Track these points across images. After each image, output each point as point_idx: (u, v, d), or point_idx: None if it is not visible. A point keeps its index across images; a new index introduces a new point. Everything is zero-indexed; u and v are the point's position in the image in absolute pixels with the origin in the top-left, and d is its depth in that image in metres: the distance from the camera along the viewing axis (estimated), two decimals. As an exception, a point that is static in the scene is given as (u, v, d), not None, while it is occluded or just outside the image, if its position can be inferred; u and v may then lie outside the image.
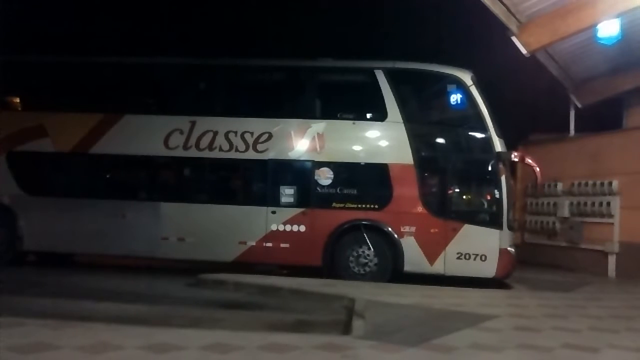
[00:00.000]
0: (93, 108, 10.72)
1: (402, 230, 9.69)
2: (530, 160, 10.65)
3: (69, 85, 11.09)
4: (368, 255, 9.77)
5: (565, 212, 13.47)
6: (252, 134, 10.18)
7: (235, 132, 10.20)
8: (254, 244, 10.00)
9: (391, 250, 9.72)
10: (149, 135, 10.45)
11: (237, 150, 10.19)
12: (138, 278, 9.84)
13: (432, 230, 9.66)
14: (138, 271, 10.58)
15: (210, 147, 10.24)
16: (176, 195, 10.48)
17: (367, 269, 9.76)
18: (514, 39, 10.52)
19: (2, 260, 10.30)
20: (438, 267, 9.57)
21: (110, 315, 5.86)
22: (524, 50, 10.64)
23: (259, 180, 10.58)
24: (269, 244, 9.97)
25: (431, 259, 9.58)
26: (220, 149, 10.22)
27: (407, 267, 9.63)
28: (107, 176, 11.08)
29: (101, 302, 6.88)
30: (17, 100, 11.24)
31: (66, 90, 11.09)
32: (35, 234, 10.35)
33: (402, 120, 9.90)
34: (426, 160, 9.99)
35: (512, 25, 10.36)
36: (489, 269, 9.47)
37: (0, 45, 9.49)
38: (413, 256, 9.61)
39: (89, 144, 10.48)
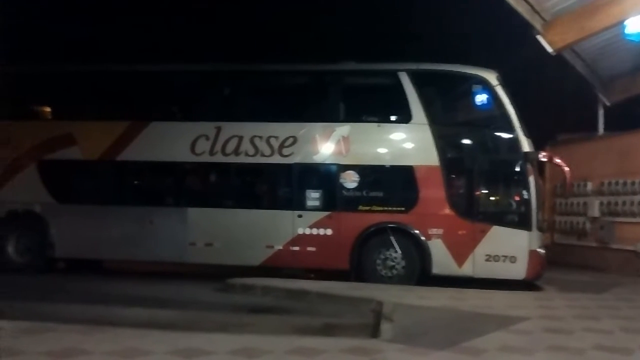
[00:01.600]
0: (120, 116, 10.87)
1: (429, 232, 9.60)
2: (558, 160, 10.47)
3: (96, 94, 11.27)
4: (395, 258, 9.70)
5: (596, 212, 13.22)
6: (277, 138, 10.20)
7: (261, 137, 10.24)
8: (280, 247, 10.02)
9: (418, 253, 9.64)
10: (175, 142, 10.54)
11: (262, 154, 10.22)
12: (166, 283, 9.92)
13: (460, 232, 9.56)
14: (166, 277, 10.68)
15: (236, 152, 10.30)
16: (203, 201, 10.55)
17: (395, 271, 9.69)
18: (539, 37, 10.37)
19: (34, 267, 10.49)
20: (466, 270, 9.46)
21: (139, 321, 5.92)
22: (549, 49, 10.49)
23: (284, 185, 10.59)
24: (296, 248, 9.97)
25: (459, 261, 9.47)
26: (246, 154, 10.26)
27: (435, 270, 9.54)
28: (135, 183, 11.22)
29: (130, 308, 6.96)
30: (47, 109, 11.41)
31: (94, 99, 11.27)
32: (66, 241, 10.52)
33: (427, 122, 9.82)
34: (452, 161, 9.90)
35: (537, 24, 10.22)
36: (518, 271, 9.33)
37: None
38: (441, 258, 9.51)
39: (116, 152, 10.61)
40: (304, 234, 9.97)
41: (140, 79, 11.24)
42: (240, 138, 10.28)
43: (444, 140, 9.84)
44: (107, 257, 11.21)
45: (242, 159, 10.29)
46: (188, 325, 5.97)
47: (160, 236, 10.29)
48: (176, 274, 10.89)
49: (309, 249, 9.92)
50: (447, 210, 9.66)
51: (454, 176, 9.98)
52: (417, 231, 9.66)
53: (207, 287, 9.11)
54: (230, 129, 10.37)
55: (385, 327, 5.84)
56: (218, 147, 10.34)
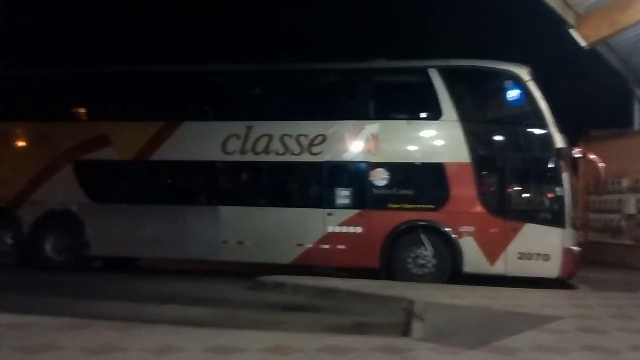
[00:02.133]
0: (153, 116, 11.04)
1: (460, 230, 9.54)
2: (593, 156, 10.28)
3: (130, 95, 11.46)
4: (426, 256, 9.67)
5: (632, 209, 12.96)
6: (306, 136, 10.25)
7: (290, 136, 10.30)
8: (311, 246, 10.07)
9: (450, 251, 9.58)
10: (207, 141, 10.67)
11: (292, 153, 10.28)
12: (199, 281, 10.07)
13: (491, 230, 9.47)
14: (199, 275, 10.83)
15: (266, 151, 10.38)
16: (234, 199, 10.67)
17: (426, 270, 9.66)
18: (572, 32, 10.20)
19: (71, 266, 10.77)
20: (499, 268, 9.37)
21: (173, 318, 6.02)
22: (582, 43, 10.31)
23: (314, 183, 10.64)
24: (326, 246, 10.01)
25: (491, 259, 9.39)
26: (276, 153, 10.34)
27: (467, 268, 9.48)
28: (168, 182, 11.39)
29: (164, 305, 7.11)
30: (83, 111, 11.66)
31: (127, 100, 11.45)
32: (101, 239, 10.74)
33: (457, 119, 9.75)
34: (484, 158, 9.79)
35: (570, 18, 10.05)
36: (552, 269, 9.21)
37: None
38: (472, 257, 9.44)
39: (150, 152, 10.79)
40: (334, 232, 10.00)
41: (173, 79, 11.41)
42: (271, 137, 10.36)
43: (475, 137, 9.75)
44: (141, 255, 11.43)
45: (272, 158, 10.37)
46: (221, 322, 6.07)
47: (193, 234, 10.43)
48: (209, 272, 11.02)
49: (339, 247, 9.95)
50: (479, 208, 9.58)
51: (485, 173, 9.88)
52: (448, 229, 9.60)
53: (239, 285, 9.21)
54: (261, 128, 10.46)
55: (416, 325, 5.83)
56: (249, 146, 10.43)
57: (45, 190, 11.00)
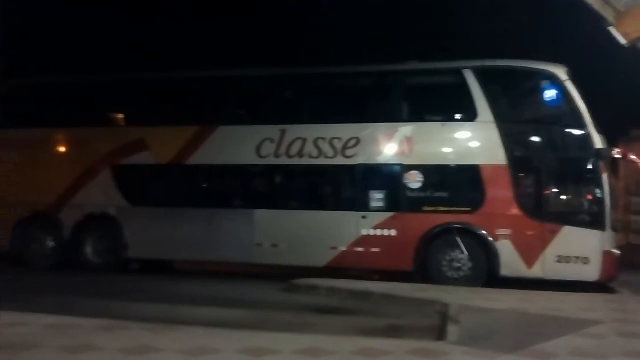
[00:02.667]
0: (189, 121, 11.20)
1: (496, 233, 9.39)
2: (633, 157, 10.02)
3: (166, 100, 11.65)
4: (461, 259, 9.55)
5: (675, 211, 12.58)
6: (340, 139, 10.24)
7: (324, 138, 10.31)
8: (344, 248, 10.06)
9: (485, 254, 9.44)
10: (241, 145, 10.76)
11: (325, 156, 10.29)
12: (233, 283, 10.15)
13: (529, 233, 9.31)
14: (233, 277, 10.92)
15: (300, 154, 10.41)
16: (268, 202, 10.71)
17: (461, 273, 9.54)
18: (611, 29, 9.94)
19: (110, 268, 10.99)
20: (536, 271, 9.20)
21: (208, 319, 6.11)
22: (622, 41, 10.00)
23: (348, 185, 10.61)
24: (360, 249, 9.99)
25: (529, 262, 9.22)
26: (310, 156, 10.36)
27: (503, 271, 9.33)
28: (203, 186, 11.50)
29: (199, 307, 7.21)
30: (120, 116, 11.91)
31: (164, 105, 11.65)
32: (138, 242, 10.93)
33: (493, 120, 9.61)
34: (520, 160, 9.64)
35: (609, 16, 9.78)
36: (591, 272, 8.99)
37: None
38: (509, 260, 9.29)
39: (185, 156, 10.94)
40: (368, 235, 9.97)
41: (208, 84, 11.58)
42: (304, 140, 10.39)
43: (511, 138, 9.60)
44: (177, 258, 11.57)
45: (305, 161, 10.39)
46: (254, 324, 6.13)
47: (228, 237, 10.53)
48: (243, 274, 11.12)
49: (373, 249, 9.91)
50: (515, 210, 9.42)
51: (522, 175, 9.73)
52: (483, 232, 9.47)
53: (273, 287, 9.26)
54: (294, 131, 10.50)
55: (451, 329, 5.77)
56: (282, 149, 10.48)
57: (85, 194, 11.25)
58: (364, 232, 10.00)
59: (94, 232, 11.27)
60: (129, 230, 11.00)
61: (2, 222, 11.28)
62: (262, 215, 10.55)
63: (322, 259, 10.16)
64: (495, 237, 9.39)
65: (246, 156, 10.68)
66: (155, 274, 11.23)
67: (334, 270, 10.09)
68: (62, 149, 11.77)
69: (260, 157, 10.58)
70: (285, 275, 9.68)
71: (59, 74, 12.68)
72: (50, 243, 11.40)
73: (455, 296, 7.63)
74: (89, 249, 11.25)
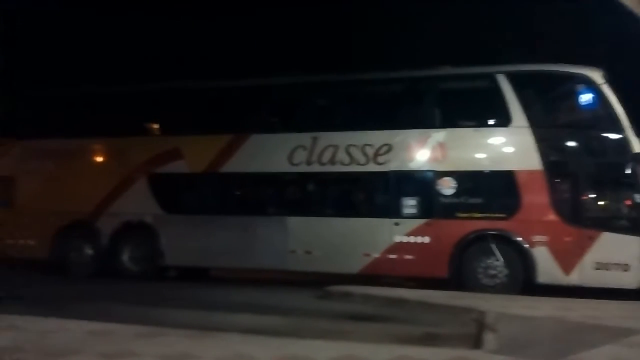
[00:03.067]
0: (222, 130, 11.33)
1: (533, 239, 9.26)
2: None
3: (200, 109, 11.81)
4: (497, 266, 9.43)
5: None
6: (372, 146, 10.25)
7: (356, 146, 10.33)
8: (378, 255, 10.03)
9: (522, 261, 9.31)
10: (274, 153, 10.85)
11: (358, 163, 10.30)
12: (268, 290, 10.22)
13: (566, 239, 9.15)
14: (268, 284, 10.99)
15: (332, 161, 10.44)
16: (302, 210, 10.76)
17: (497, 280, 9.42)
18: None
19: (147, 275, 11.17)
20: (574, 278, 9.03)
21: (243, 327, 6.13)
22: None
23: (381, 192, 10.59)
24: (393, 256, 9.95)
25: (566, 269, 9.06)
26: (342, 163, 10.38)
27: (540, 279, 9.18)
28: (237, 193, 11.60)
29: (235, 314, 7.26)
30: (156, 125, 12.12)
31: (197, 114, 11.80)
32: (175, 249, 11.09)
33: (528, 125, 9.50)
34: (556, 165, 9.48)
35: (646, 15, 9.58)
36: (631, 280, 8.79)
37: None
38: (546, 267, 9.14)
39: (219, 164, 11.08)
40: (401, 242, 9.93)
41: (240, 93, 11.71)
42: (336, 147, 10.42)
43: (547, 143, 9.47)
44: (212, 265, 11.70)
45: (338, 168, 10.42)
46: (290, 331, 6.14)
47: (262, 244, 10.60)
48: (277, 281, 11.17)
49: (407, 257, 9.86)
50: (552, 216, 9.27)
51: (558, 180, 9.55)
52: (520, 238, 9.34)
53: (307, 294, 9.26)
54: (326, 138, 10.54)
55: (488, 337, 5.69)
56: (314, 157, 10.53)
57: (122, 202, 11.47)
58: (397, 239, 9.96)
59: (131, 240, 11.47)
60: (165, 238, 11.17)
61: (43, 232, 11.56)
62: (295, 223, 10.60)
63: (355, 266, 10.15)
64: (532, 244, 9.25)
65: (279, 164, 10.76)
66: (191, 282, 11.38)
67: (368, 277, 10.05)
68: (99, 158, 12.04)
69: (293, 164, 10.65)
70: (319, 282, 9.69)
71: (96, 85, 13.02)
72: (89, 251, 11.64)
73: (491, 304, 7.52)
74: (126, 257, 11.45)
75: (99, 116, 12.00)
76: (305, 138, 10.64)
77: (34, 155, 12.01)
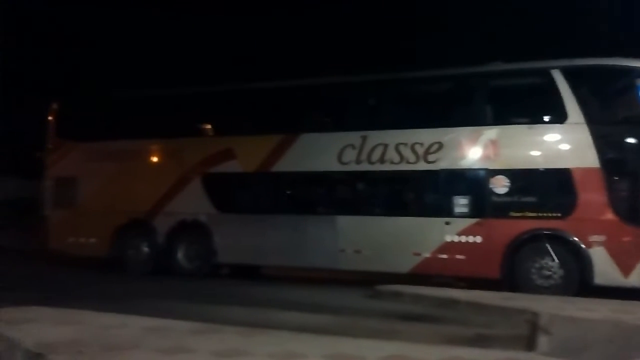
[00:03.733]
0: (273, 130, 11.47)
1: (589, 239, 8.99)
2: None
3: (251, 110, 12.00)
4: (552, 267, 9.22)
5: None
6: (422, 144, 10.17)
7: (405, 144, 10.28)
8: (428, 255, 9.96)
9: (578, 262, 9.06)
10: (323, 152, 10.91)
11: (407, 162, 10.25)
12: (318, 289, 10.30)
13: (625, 239, 8.85)
14: (318, 282, 11.07)
15: (382, 160, 10.43)
16: (351, 209, 10.78)
17: (551, 281, 9.20)
18: None
19: (201, 273, 11.44)
20: (634, 280, 8.71)
21: (294, 325, 6.22)
22: None
23: (431, 191, 10.48)
24: (444, 256, 9.86)
25: (625, 270, 8.76)
26: (391, 162, 10.35)
27: (598, 280, 8.90)
28: (288, 193, 11.71)
29: (286, 312, 7.36)
30: (209, 126, 12.37)
31: (249, 115, 12.00)
32: (228, 248, 11.33)
33: (584, 121, 9.23)
34: (615, 162, 9.15)
35: None
36: (697, 282, 8.43)
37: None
38: (604, 268, 8.86)
39: (271, 164, 11.23)
40: (452, 242, 9.82)
41: (290, 93, 11.81)
42: (386, 146, 10.40)
43: (604, 140, 9.16)
44: (263, 263, 11.86)
45: (387, 167, 10.39)
46: (340, 330, 6.18)
47: (312, 243, 10.69)
48: (327, 280, 11.23)
49: (458, 256, 9.75)
50: (610, 216, 8.97)
51: (616, 178, 9.23)
52: (575, 238, 9.09)
53: (357, 293, 9.31)
54: (376, 137, 10.53)
55: (541, 339, 5.59)
56: (364, 155, 10.53)
57: (177, 202, 11.78)
58: (448, 238, 9.86)
59: (186, 239, 11.76)
60: (219, 237, 11.41)
61: (103, 230, 12.00)
62: (345, 222, 10.64)
63: (405, 265, 10.11)
64: (589, 244, 8.99)
65: (328, 163, 10.82)
66: (244, 279, 11.57)
67: (417, 277, 10.00)
68: (156, 159, 12.37)
69: (342, 164, 10.68)
70: (369, 281, 9.70)
71: (153, 88, 13.41)
72: (146, 249, 12.01)
73: (545, 305, 7.36)
74: (181, 255, 11.75)
75: (156, 118, 12.34)
76: (354, 137, 10.65)
77: (94, 157, 12.46)
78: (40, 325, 5.53)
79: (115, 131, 12.38)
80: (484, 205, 9.75)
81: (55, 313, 6.18)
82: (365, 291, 9.26)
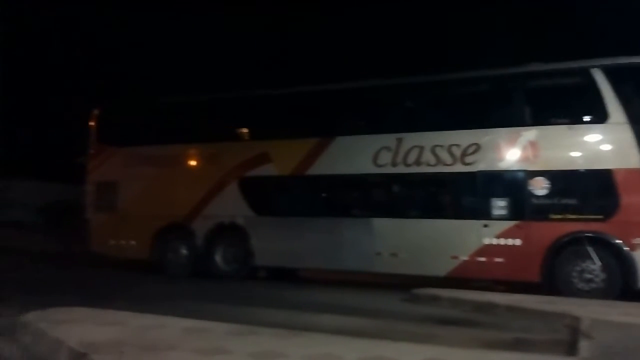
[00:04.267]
0: (308, 133, 11.53)
1: (633, 242, 8.76)
2: None
3: (286, 114, 12.09)
4: (593, 270, 9.01)
5: None
6: (459, 146, 10.08)
7: (442, 146, 10.20)
8: (466, 258, 9.86)
9: (620, 265, 8.83)
10: (359, 155, 10.92)
11: (444, 164, 10.17)
12: (355, 292, 10.29)
13: (670, 242, 8.60)
14: (354, 285, 11.05)
15: (418, 162, 10.37)
16: (387, 211, 10.76)
17: (593, 285, 8.99)
18: None
19: (238, 275, 11.57)
20: (679, 284, 8.47)
21: (331, 327, 6.22)
22: None
23: (468, 193, 10.38)
24: (482, 259, 9.73)
25: (670, 274, 8.51)
26: (428, 164, 10.29)
27: (641, 284, 8.68)
28: (324, 195, 11.74)
29: (322, 315, 7.38)
30: (246, 131, 12.53)
31: (285, 119, 12.08)
32: (264, 250, 11.42)
33: (627, 121, 9.01)
34: (659, 163, 8.93)
35: None
36: None
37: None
38: (648, 271, 8.63)
39: (306, 167, 11.29)
40: (491, 244, 9.70)
41: (325, 97, 11.85)
42: (422, 148, 10.34)
43: (647, 140, 8.94)
44: (300, 266, 11.92)
45: (423, 169, 10.33)
46: (377, 333, 6.15)
47: (348, 246, 10.70)
48: (363, 283, 11.21)
49: (496, 260, 9.62)
50: (654, 218, 8.74)
51: (661, 179, 8.99)
52: (618, 241, 8.87)
53: (393, 296, 9.27)
54: (411, 139, 10.48)
55: (583, 344, 5.46)
56: (400, 158, 10.50)
57: (215, 205, 11.95)
58: (486, 241, 9.74)
59: (224, 242, 11.92)
60: (256, 239, 11.52)
61: (143, 233, 12.26)
62: (381, 224, 10.61)
63: (442, 268, 10.03)
64: (632, 247, 8.76)
65: (364, 166, 10.82)
66: (281, 282, 11.65)
67: (455, 280, 9.90)
68: (194, 163, 12.57)
69: (378, 166, 10.67)
70: (405, 284, 9.65)
71: (191, 94, 13.65)
72: (185, 252, 12.21)
73: (586, 310, 7.19)
74: (219, 258, 11.91)
75: (195, 122, 12.59)
76: (390, 139, 10.63)
77: (134, 162, 12.76)
78: (84, 325, 5.67)
79: (155, 136, 12.65)
80: (524, 208, 9.60)
81: (98, 314, 6.33)
82: (402, 295, 9.21)
